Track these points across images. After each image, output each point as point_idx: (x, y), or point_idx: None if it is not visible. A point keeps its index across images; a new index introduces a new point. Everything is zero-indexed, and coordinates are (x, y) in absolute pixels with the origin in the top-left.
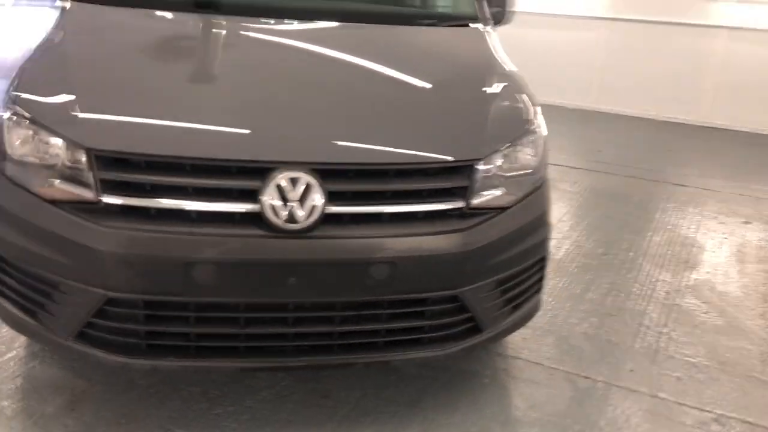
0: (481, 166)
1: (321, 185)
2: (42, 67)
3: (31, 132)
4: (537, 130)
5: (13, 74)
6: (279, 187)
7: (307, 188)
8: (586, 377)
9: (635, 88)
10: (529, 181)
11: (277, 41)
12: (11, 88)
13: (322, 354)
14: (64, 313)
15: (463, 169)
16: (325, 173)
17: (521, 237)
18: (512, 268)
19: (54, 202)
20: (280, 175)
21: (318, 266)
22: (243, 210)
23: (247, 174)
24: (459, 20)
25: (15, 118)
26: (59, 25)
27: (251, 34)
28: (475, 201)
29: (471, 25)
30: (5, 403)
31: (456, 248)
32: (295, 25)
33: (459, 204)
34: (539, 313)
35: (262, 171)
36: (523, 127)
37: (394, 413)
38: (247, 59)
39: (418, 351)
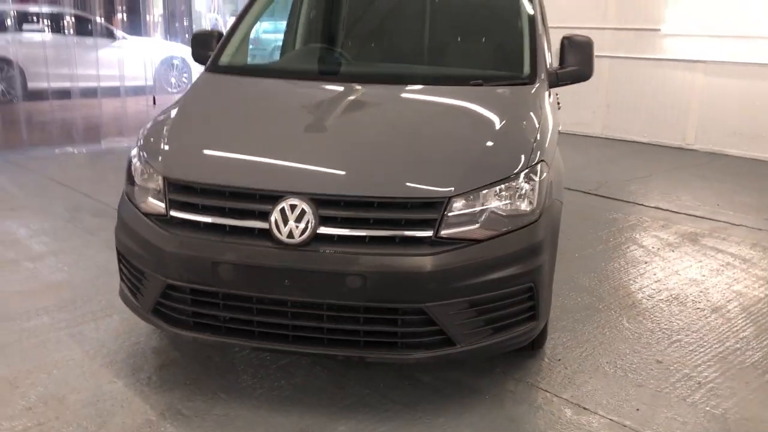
0: (455, 203)
1: (314, 211)
2: (159, 120)
3: (144, 166)
4: (533, 177)
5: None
6: (283, 211)
7: (303, 213)
8: (585, 408)
9: None
10: (518, 221)
11: (325, 100)
12: (139, 135)
13: (313, 345)
14: (146, 293)
15: (435, 204)
16: (318, 202)
17: (496, 267)
18: (486, 293)
19: (146, 215)
20: (285, 202)
21: (305, 273)
22: (258, 226)
23: (264, 200)
24: (508, 81)
25: (137, 156)
26: (188, 90)
27: (310, 94)
28: (444, 232)
29: (521, 84)
30: (122, 359)
31: (419, 269)
32: (348, 87)
33: (428, 233)
34: (575, 351)
35: (274, 198)
36: (508, 174)
37: (388, 409)
38: (290, 114)
39: (393, 354)
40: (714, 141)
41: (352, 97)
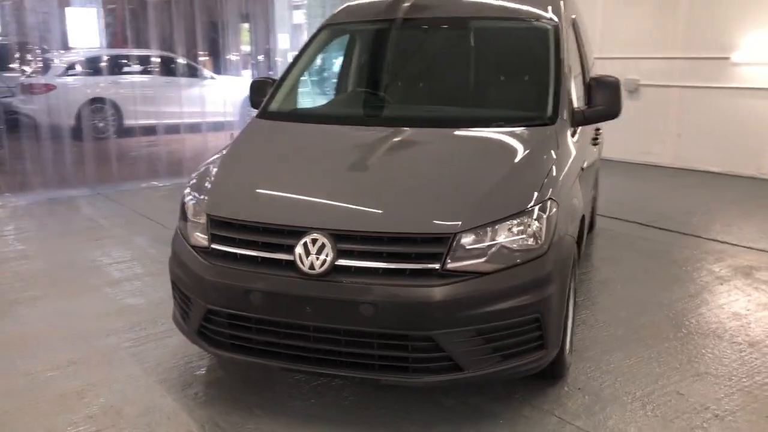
0: (462, 239)
1: (333, 245)
2: (209, 163)
3: (193, 204)
4: (540, 215)
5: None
6: (305, 245)
7: (323, 246)
8: None
9: None
10: (524, 255)
11: (353, 143)
12: (192, 176)
13: (333, 367)
14: (192, 317)
15: (442, 239)
16: (337, 236)
17: (502, 298)
18: (492, 322)
19: (193, 247)
20: (307, 237)
21: (324, 301)
22: (285, 258)
23: (289, 234)
24: (530, 121)
25: (188, 194)
26: (238, 135)
27: (339, 138)
28: (450, 265)
29: (542, 125)
30: (175, 376)
31: (426, 299)
32: (377, 131)
33: (435, 266)
34: (597, 380)
35: (298, 233)
36: (516, 210)
37: (405, 429)
38: (318, 156)
39: (404, 377)
40: None
41: (378, 141)
